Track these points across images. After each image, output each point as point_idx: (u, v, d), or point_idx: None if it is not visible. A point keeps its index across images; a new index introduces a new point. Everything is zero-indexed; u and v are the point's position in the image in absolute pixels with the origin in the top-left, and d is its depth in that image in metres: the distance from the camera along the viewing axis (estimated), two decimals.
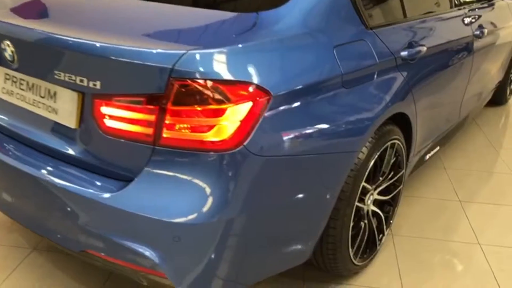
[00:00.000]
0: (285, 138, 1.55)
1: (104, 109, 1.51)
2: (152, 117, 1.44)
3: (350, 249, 2.01)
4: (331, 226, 1.89)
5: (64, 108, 1.62)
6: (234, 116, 1.43)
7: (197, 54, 1.41)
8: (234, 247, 1.54)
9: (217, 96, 1.41)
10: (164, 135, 1.44)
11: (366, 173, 1.93)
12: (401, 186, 2.35)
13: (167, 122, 1.43)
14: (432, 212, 2.75)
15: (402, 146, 2.22)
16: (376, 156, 1.97)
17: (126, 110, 1.47)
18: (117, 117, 1.49)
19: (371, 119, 1.84)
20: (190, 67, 1.40)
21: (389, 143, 2.06)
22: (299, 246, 1.81)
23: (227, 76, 1.42)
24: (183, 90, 1.40)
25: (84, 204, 1.55)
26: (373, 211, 2.19)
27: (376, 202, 2.23)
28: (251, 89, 1.45)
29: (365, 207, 2.11)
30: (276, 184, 1.57)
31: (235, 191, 1.46)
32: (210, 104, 1.41)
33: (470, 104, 3.24)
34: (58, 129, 1.68)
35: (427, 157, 2.79)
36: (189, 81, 1.40)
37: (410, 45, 2.16)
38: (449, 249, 2.42)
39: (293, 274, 2.20)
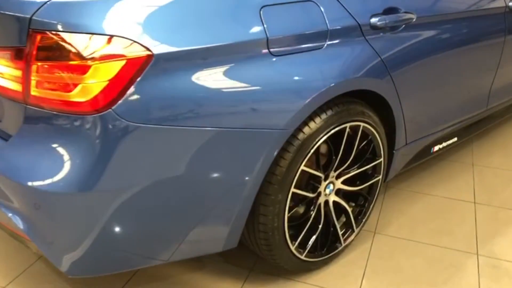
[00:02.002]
0: (174, 106, 1.36)
1: None
2: (19, 73, 1.33)
3: (290, 241, 1.77)
4: (261, 213, 1.66)
5: None
6: (100, 74, 1.27)
7: (60, 3, 1.28)
8: (113, 221, 1.39)
9: (80, 51, 1.26)
10: (32, 93, 1.33)
11: (307, 156, 1.67)
12: (379, 177, 2.04)
13: (32, 78, 1.31)
14: (436, 212, 2.37)
15: (375, 131, 1.90)
16: (324, 138, 1.70)
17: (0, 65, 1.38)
18: None
19: (307, 94, 1.57)
20: (51, 18, 1.26)
21: (347, 125, 1.77)
22: (212, 231, 1.61)
23: (94, 29, 1.26)
24: (44, 43, 1.27)
25: None
26: (336, 203, 1.92)
27: (341, 193, 1.95)
28: (124, 45, 1.28)
29: (321, 197, 1.85)
30: (160, 157, 1.38)
31: (99, 160, 1.31)
32: (73, 60, 1.27)
33: (508, 93, 2.75)
34: None
35: (436, 148, 2.41)
36: (49, 33, 1.26)
37: (387, 11, 1.82)
38: (435, 256, 2.06)
39: (242, 263, 2.01)
